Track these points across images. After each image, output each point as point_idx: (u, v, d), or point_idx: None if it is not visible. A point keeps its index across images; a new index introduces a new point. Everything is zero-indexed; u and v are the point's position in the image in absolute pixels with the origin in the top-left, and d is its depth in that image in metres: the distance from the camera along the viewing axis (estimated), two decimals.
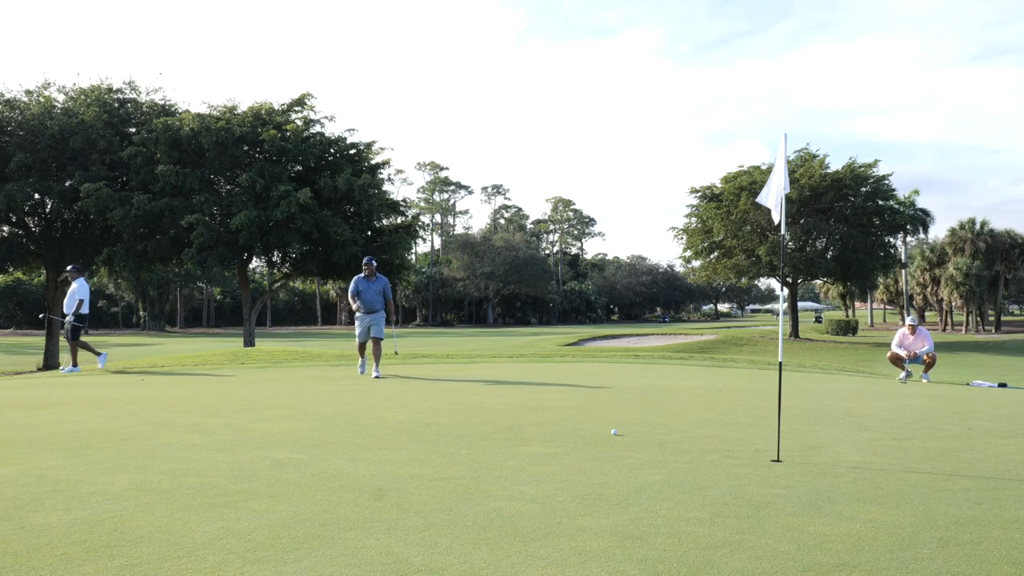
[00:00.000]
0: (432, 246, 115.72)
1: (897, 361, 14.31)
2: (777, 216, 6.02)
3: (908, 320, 14.94)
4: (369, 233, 31.12)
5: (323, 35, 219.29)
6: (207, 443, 5.90)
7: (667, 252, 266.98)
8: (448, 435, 6.29)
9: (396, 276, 33.97)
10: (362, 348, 12.47)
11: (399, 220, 33.28)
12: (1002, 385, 14.57)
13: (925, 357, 14.05)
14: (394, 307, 12.26)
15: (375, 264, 12.25)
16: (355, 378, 12.63)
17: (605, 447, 5.80)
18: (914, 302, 77.10)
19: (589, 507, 4.05)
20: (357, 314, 12.31)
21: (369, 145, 31.91)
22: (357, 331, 12.38)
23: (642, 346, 35.67)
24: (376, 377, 11.65)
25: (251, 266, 38.92)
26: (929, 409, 8.50)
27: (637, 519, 3.83)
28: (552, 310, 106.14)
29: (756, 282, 76.22)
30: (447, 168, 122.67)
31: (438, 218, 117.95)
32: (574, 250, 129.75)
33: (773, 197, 6.02)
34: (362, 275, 12.23)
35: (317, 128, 31.12)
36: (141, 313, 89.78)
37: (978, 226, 70.76)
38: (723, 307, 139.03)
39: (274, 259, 32.91)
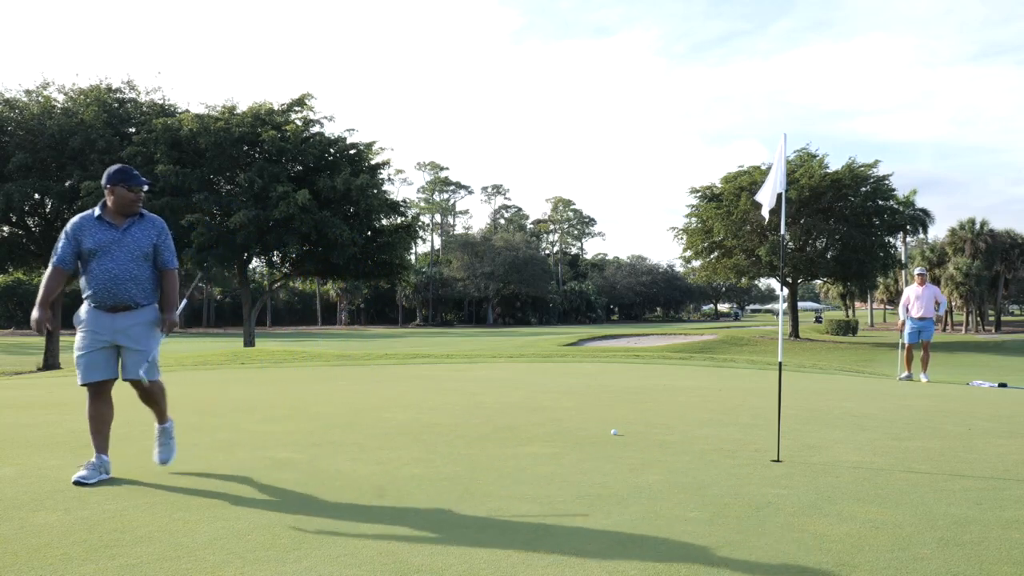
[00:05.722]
0: (432, 246, 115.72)
1: (906, 353, 14.04)
2: (767, 214, 6.03)
3: (917, 271, 14.30)
4: (369, 233, 31.13)
5: (323, 35, 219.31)
6: (207, 443, 5.90)
7: (667, 252, 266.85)
8: (448, 435, 6.29)
9: (396, 276, 34.00)
10: (95, 399, 5.01)
11: (399, 220, 33.30)
12: (1002, 385, 14.55)
13: (936, 318, 13.68)
14: (177, 287, 5.10)
15: (142, 186, 4.90)
16: (355, 378, 12.59)
17: (605, 447, 5.80)
18: None
19: (589, 507, 4.05)
20: (77, 317, 4.91)
21: (369, 145, 31.93)
22: (77, 354, 4.88)
23: (642, 346, 35.65)
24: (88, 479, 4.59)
25: (251, 266, 38.96)
26: (929, 409, 8.49)
27: (637, 519, 3.83)
28: (552, 310, 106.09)
29: (756, 282, 76.13)
30: (447, 168, 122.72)
31: (438, 218, 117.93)
32: (574, 250, 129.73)
33: (765, 194, 6.02)
34: (94, 211, 4.91)
35: (316, 128, 31.16)
36: None
37: (978, 226, 70.82)
38: (723, 307, 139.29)
39: (273, 259, 32.95)
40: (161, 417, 5.25)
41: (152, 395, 5.16)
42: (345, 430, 6.55)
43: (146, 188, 5.00)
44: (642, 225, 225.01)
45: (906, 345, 14.11)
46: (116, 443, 5.83)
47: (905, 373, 13.99)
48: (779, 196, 5.93)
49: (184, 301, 5.23)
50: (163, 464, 5.10)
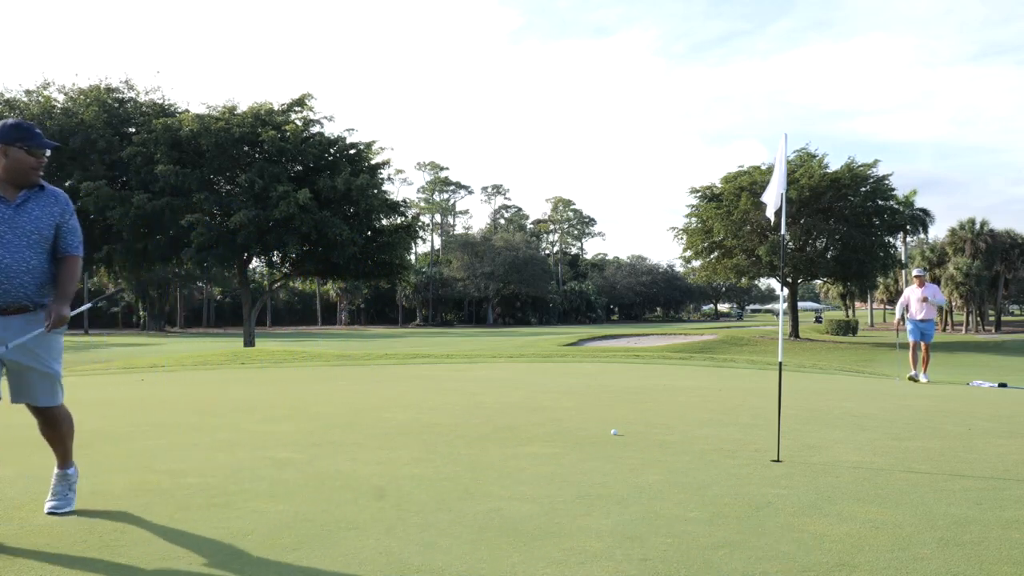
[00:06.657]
0: (432, 246, 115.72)
1: (912, 351, 14.02)
2: (772, 215, 6.05)
3: (915, 272, 14.10)
4: (369, 233, 31.15)
5: (323, 35, 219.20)
6: (207, 443, 5.90)
7: (667, 252, 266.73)
8: (448, 435, 6.29)
9: (396, 276, 34.03)
10: None
11: (399, 220, 33.34)
12: (1002, 385, 14.55)
13: (936, 316, 13.68)
14: (77, 277, 3.88)
15: (45, 149, 3.73)
16: (355, 378, 12.61)
17: (605, 447, 5.80)
18: None
19: (589, 507, 4.05)
20: None
21: (369, 145, 31.97)
22: None
23: (642, 346, 35.65)
24: None
25: (251, 266, 38.97)
26: (929, 409, 8.49)
27: (637, 519, 3.83)
28: (552, 310, 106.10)
29: (756, 282, 76.12)
30: (447, 168, 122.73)
31: (438, 218, 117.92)
32: (574, 250, 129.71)
33: (771, 195, 6.05)
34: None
35: (316, 128, 31.20)
36: (141, 313, 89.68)
37: (978, 226, 70.88)
38: (723, 307, 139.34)
39: (273, 259, 32.99)
40: (64, 460, 4.12)
41: (58, 426, 4.06)
42: (345, 430, 6.55)
43: (49, 152, 3.82)
44: (642, 225, 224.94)
45: (911, 343, 14.06)
46: (116, 443, 5.84)
47: (913, 371, 13.92)
48: (781, 196, 5.94)
49: (89, 305, 4.50)
50: (52, 513, 3.92)
